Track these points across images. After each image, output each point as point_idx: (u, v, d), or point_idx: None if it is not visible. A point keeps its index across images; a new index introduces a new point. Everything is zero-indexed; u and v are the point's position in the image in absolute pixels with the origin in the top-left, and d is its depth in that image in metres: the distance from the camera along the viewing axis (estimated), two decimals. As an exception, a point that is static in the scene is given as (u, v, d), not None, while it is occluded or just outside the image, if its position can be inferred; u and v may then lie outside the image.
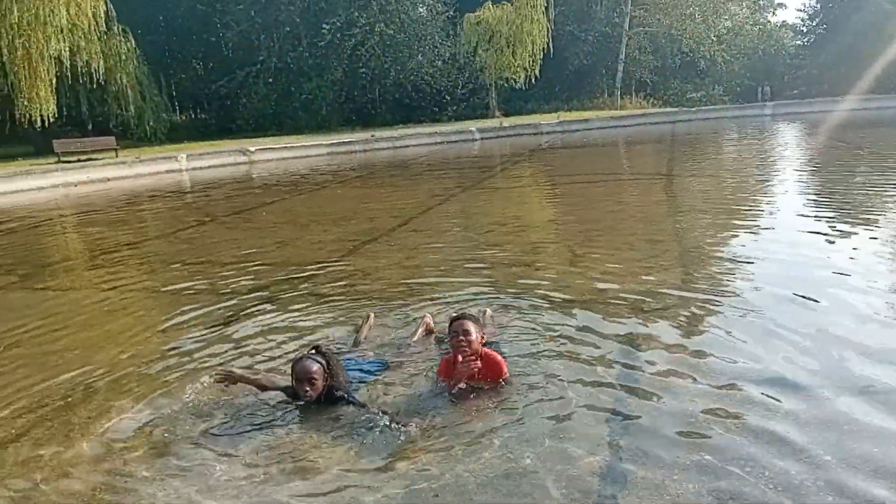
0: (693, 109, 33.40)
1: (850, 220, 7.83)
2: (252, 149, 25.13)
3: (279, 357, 4.63)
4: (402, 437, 3.37)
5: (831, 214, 8.25)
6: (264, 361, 4.59)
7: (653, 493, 2.81)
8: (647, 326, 4.68)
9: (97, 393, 4.29)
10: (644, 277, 5.90)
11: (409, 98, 37.33)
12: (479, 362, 3.76)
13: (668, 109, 34.58)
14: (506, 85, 37.31)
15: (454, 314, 4.06)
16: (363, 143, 27.27)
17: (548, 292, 5.63)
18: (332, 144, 26.78)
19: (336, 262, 7.47)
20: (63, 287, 7.65)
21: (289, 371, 3.86)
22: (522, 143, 25.71)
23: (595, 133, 27.82)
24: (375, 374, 4.18)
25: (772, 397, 3.54)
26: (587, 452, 3.14)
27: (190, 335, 5.28)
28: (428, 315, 5.01)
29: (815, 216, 8.21)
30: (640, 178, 13.96)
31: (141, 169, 22.20)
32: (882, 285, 5.23)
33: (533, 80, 36.38)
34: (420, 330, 4.82)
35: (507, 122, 31.50)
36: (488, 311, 5.08)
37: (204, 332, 5.34)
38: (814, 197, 9.88)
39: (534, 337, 4.63)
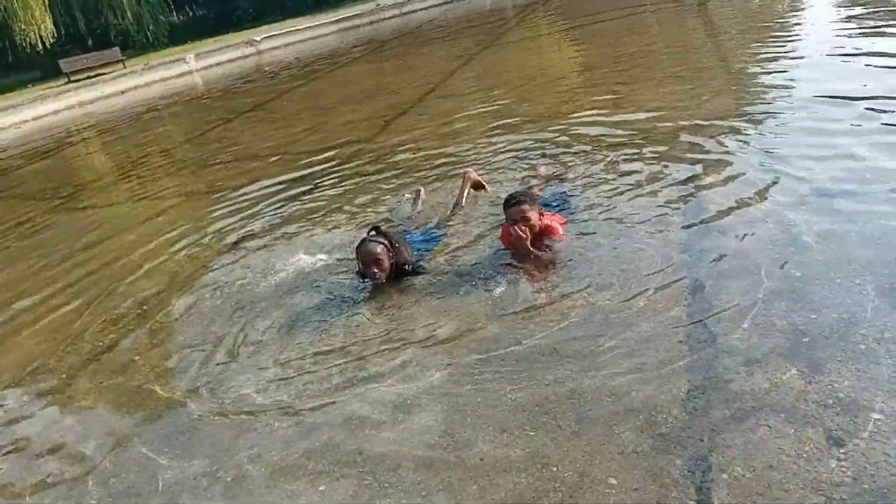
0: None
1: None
2: (258, 38, 24.35)
3: (339, 240, 4.63)
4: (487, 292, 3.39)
5: (872, 21, 7.68)
6: (325, 246, 4.60)
7: (735, 345, 2.79)
8: (708, 163, 4.48)
9: (172, 297, 4.38)
10: (696, 109, 5.64)
11: (410, -42, 35.25)
12: (530, 245, 3.64)
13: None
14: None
15: (508, 196, 3.77)
16: (369, 15, 26.15)
17: (597, 136, 5.45)
18: (338, 21, 25.76)
19: (372, 139, 7.32)
20: (109, 202, 7.70)
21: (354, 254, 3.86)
22: (536, -12, 24.30)
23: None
24: (436, 245, 4.16)
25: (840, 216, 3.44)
26: (661, 316, 3.11)
27: (248, 230, 5.30)
28: (469, 170, 4.82)
29: (858, 25, 7.67)
30: (669, 5, 13.14)
31: (152, 76, 21.77)
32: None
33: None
34: (466, 190, 4.68)
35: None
36: (541, 168, 4.96)
37: (261, 224, 5.36)
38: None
39: (591, 185, 4.52)
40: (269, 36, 24.75)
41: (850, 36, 6.87)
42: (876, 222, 3.26)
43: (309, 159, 7.08)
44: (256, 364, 3.33)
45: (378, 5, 27.24)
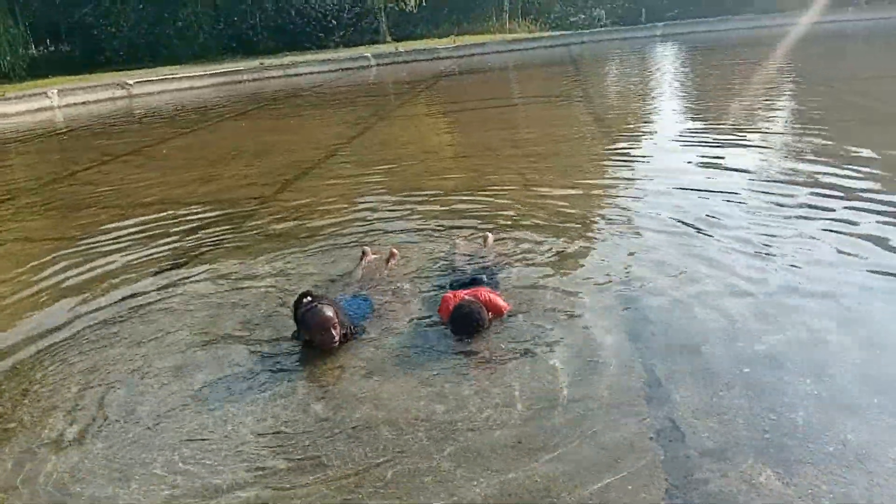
0: (587, 32, 33.49)
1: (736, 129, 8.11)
2: (131, 81, 23.08)
3: (254, 304, 4.24)
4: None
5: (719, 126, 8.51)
6: (238, 309, 4.19)
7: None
8: (637, 243, 4.64)
9: (60, 358, 3.78)
10: (604, 198, 5.84)
11: (293, 23, 35.22)
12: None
13: (563, 32, 34.40)
14: (395, 8, 35.95)
15: (461, 326, 3.56)
16: (252, 72, 25.63)
17: (512, 212, 5.54)
18: (218, 74, 25.01)
19: (274, 197, 6.96)
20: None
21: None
22: (421, 68, 24.96)
23: (493, 57, 27.44)
24: (367, 314, 3.90)
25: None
26: (613, 372, 3.06)
27: (139, 285, 4.75)
28: (394, 250, 4.78)
29: (704, 135, 8.45)
30: (557, 100, 13.86)
31: (7, 108, 19.86)
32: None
33: (423, 3, 35.27)
34: (392, 261, 4.65)
35: (402, 47, 30.48)
36: (489, 236, 4.95)
37: (155, 280, 4.83)
38: (703, 110, 10.14)
39: (519, 263, 4.48)
40: (143, 80, 23.57)
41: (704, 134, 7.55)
42: (817, 316, 3.42)
43: (207, 211, 6.57)
44: (124, 463, 2.87)
45: (262, 63, 26.87)
